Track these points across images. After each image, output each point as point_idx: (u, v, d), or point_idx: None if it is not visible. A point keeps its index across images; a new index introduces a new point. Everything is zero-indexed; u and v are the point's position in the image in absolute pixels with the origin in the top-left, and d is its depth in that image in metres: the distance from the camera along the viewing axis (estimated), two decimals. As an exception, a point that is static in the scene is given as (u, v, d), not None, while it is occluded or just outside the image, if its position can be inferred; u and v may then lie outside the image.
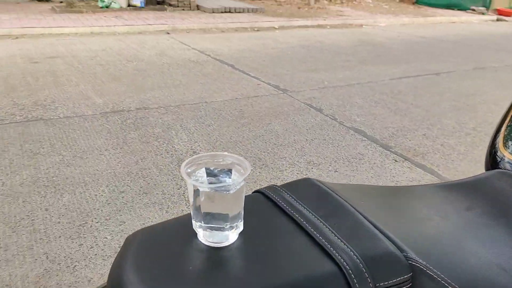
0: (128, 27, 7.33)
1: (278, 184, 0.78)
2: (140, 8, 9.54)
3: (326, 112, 3.92)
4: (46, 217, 2.18)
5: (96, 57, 5.49)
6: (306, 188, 0.77)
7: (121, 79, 4.57)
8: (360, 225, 0.66)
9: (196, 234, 0.65)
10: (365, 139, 3.36)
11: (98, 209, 2.27)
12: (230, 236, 0.65)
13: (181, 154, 2.91)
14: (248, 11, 10.36)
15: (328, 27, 9.41)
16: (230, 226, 0.64)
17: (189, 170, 0.67)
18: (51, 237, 2.03)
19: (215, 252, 0.62)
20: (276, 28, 8.71)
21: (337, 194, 0.74)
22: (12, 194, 2.36)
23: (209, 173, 0.69)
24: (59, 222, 2.14)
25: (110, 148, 2.95)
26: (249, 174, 0.68)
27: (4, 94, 3.87)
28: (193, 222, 0.65)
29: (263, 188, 0.76)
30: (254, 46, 6.80)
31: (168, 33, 7.45)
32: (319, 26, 9.41)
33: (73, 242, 2.01)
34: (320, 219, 0.67)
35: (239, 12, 10.21)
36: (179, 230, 0.67)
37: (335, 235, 0.63)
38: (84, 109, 3.63)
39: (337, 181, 2.68)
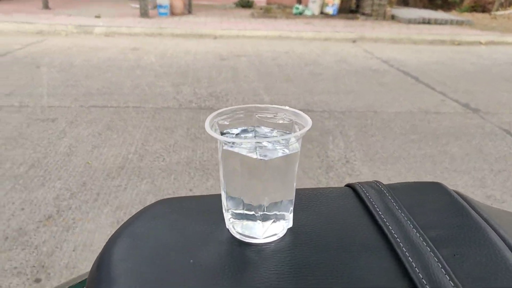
0: (315, 33, 7.40)
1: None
2: (332, 16, 9.59)
3: (529, 141, 3.09)
4: (187, 197, 2.23)
5: (277, 58, 5.67)
6: (426, 194, 0.52)
7: (294, 80, 4.56)
8: (504, 262, 0.39)
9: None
10: None
11: (233, 200, 2.22)
12: (266, 231, 0.43)
13: (332, 161, 2.66)
14: (450, 23, 9.31)
15: (556, 44, 7.69)
16: (264, 216, 0.42)
17: (226, 123, 0.46)
18: (183, 217, 2.06)
19: (239, 249, 0.43)
20: (482, 43, 7.55)
21: (477, 212, 0.48)
22: (167, 170, 2.52)
23: (259, 134, 0.47)
24: (194, 205, 2.16)
25: (263, 143, 2.91)
26: (307, 132, 0.42)
27: (189, 83, 4.30)
28: (223, 202, 0.46)
29: (360, 182, 0.53)
30: (449, 60, 5.99)
31: (354, 41, 7.24)
32: (542, 43, 7.77)
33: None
34: (428, 241, 0.42)
35: (440, 24, 9.26)
36: (209, 210, 0.49)
37: (445, 272, 0.38)
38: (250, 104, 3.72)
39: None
